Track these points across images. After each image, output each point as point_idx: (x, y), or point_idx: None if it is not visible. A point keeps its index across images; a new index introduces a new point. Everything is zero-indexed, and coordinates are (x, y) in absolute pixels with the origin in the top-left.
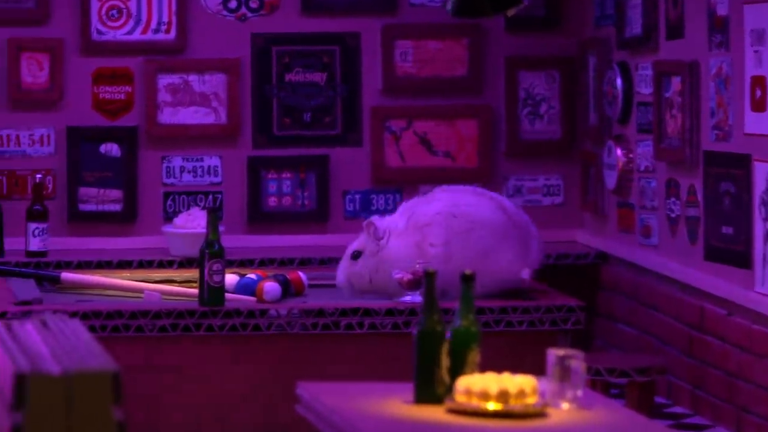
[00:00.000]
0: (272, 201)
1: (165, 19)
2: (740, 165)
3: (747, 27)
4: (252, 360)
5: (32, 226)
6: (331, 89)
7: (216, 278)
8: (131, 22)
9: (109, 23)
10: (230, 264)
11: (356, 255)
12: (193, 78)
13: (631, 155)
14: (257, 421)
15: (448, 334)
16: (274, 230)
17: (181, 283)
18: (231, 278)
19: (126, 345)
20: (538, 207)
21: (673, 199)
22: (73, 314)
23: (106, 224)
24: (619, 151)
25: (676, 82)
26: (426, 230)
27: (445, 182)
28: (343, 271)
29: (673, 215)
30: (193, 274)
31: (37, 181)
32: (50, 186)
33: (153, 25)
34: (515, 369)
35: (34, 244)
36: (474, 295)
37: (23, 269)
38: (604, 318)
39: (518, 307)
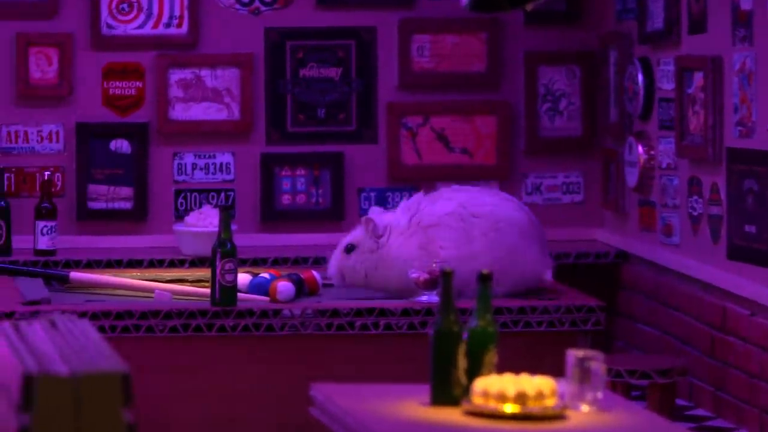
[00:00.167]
0: (286, 199)
1: (177, 12)
2: (764, 162)
3: None
4: (265, 361)
5: (41, 224)
6: (346, 85)
7: (228, 277)
8: (142, 16)
9: (120, 17)
10: (243, 263)
11: (350, 248)
12: (205, 73)
13: (652, 152)
14: (270, 423)
15: (465, 335)
16: (287, 229)
17: (192, 282)
18: (244, 278)
19: (136, 346)
20: (557, 205)
21: (695, 197)
22: (82, 314)
23: (116, 222)
24: (640, 148)
25: (698, 78)
26: (433, 231)
27: (463, 180)
28: (335, 264)
29: (695, 213)
30: (204, 273)
31: (46, 178)
32: (59, 183)
33: (164, 19)
34: (534, 370)
35: (43, 243)
36: (492, 295)
37: (31, 268)
38: (624, 318)
39: (537, 307)
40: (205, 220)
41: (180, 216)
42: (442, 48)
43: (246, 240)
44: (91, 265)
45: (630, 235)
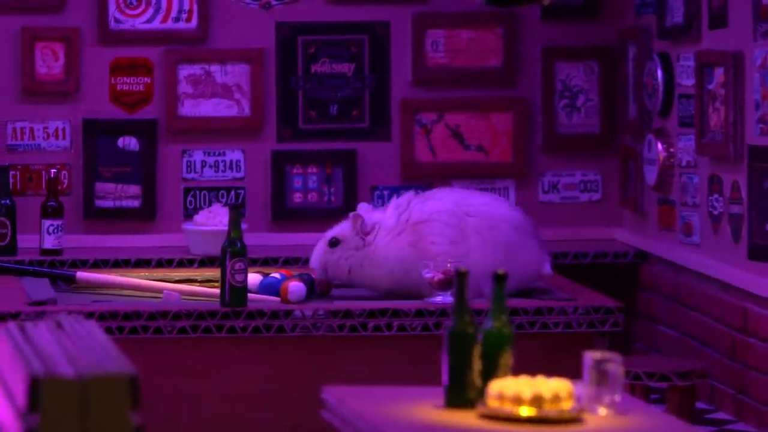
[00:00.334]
0: (297, 197)
1: (186, 7)
2: None
3: None
4: (276, 363)
5: (47, 223)
6: (359, 80)
7: (238, 278)
8: (150, 11)
9: (128, 11)
10: (253, 263)
11: (334, 242)
12: (214, 69)
13: (672, 150)
14: (281, 426)
15: (480, 336)
16: (299, 228)
17: (201, 282)
18: (254, 278)
19: (144, 347)
20: (575, 203)
21: (715, 195)
22: (89, 315)
23: (124, 221)
24: (659, 146)
25: (719, 74)
26: (423, 227)
27: (479, 178)
28: (318, 257)
29: (715, 212)
30: (214, 273)
31: (52, 176)
32: (65, 181)
33: (173, 13)
34: (550, 372)
35: (49, 242)
36: (506, 295)
37: (37, 268)
38: (643, 319)
39: (554, 308)
40: (214, 219)
41: (189, 215)
42: (457, 43)
43: (256, 239)
44: (98, 264)
45: (649, 234)
